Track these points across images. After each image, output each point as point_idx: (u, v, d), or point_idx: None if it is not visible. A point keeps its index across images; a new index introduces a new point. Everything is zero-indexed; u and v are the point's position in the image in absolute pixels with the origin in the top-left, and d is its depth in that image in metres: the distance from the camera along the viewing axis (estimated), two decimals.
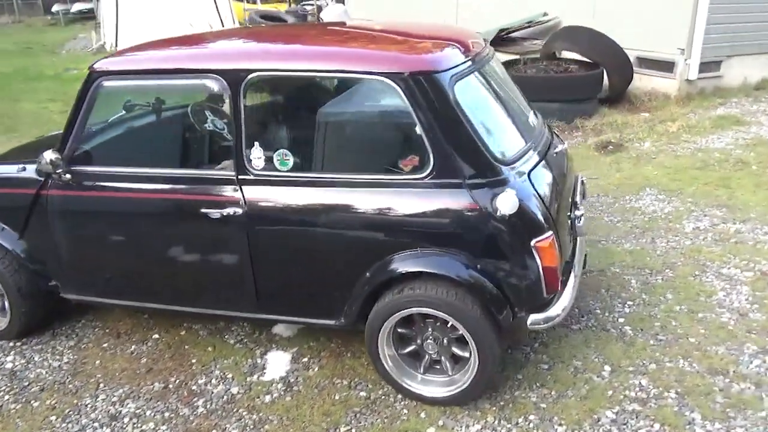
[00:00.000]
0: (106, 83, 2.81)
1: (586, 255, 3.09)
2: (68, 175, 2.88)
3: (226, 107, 2.81)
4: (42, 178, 2.96)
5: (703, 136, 6.04)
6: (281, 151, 2.62)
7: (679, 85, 7.05)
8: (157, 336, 3.28)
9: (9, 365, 3.09)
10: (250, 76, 2.56)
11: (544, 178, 2.67)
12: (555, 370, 2.86)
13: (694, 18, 6.75)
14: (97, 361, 3.10)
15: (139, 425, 2.66)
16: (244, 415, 2.69)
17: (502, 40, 8.37)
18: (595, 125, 6.53)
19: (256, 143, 2.61)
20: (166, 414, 2.72)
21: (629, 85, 7.14)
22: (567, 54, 7.27)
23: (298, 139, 2.73)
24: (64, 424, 2.67)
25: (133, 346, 3.21)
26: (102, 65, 2.81)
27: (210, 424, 2.64)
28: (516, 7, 8.53)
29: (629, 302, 3.36)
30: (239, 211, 2.64)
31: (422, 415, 2.63)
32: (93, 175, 2.90)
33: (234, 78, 2.57)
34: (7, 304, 3.17)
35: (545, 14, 8.39)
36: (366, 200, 2.53)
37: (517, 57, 7.55)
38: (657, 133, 6.17)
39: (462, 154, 2.43)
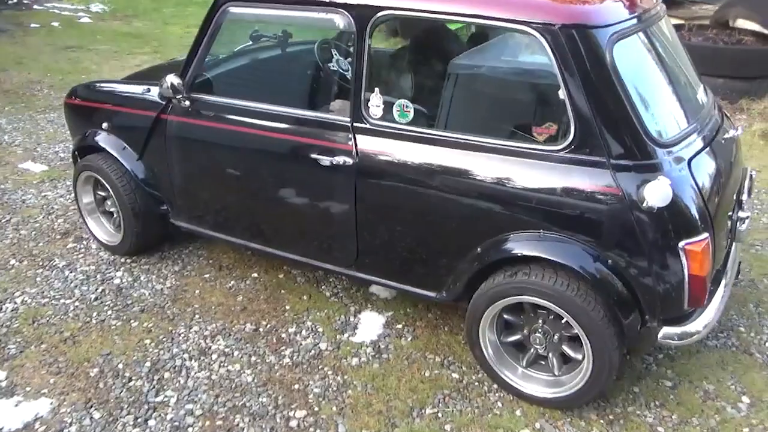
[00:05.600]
0: (233, 9, 2.68)
1: (740, 264, 2.61)
2: (188, 102, 2.82)
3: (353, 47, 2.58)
4: (163, 102, 2.93)
5: None
6: (402, 101, 2.37)
7: None
8: (256, 275, 3.23)
9: (117, 281, 3.18)
10: (378, 14, 2.31)
11: (706, 168, 2.23)
12: (680, 390, 2.48)
13: None
14: (197, 291, 3.11)
15: (225, 364, 2.63)
16: (329, 374, 2.57)
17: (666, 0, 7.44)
18: (764, 109, 5.65)
19: (377, 89, 2.38)
20: (253, 358, 2.66)
21: None
22: (743, 24, 6.30)
23: (423, 90, 2.47)
24: (156, 350, 2.70)
25: (232, 281, 3.18)
26: None
27: (293, 377, 2.55)
28: None
29: None
30: (350, 161, 2.44)
31: (518, 412, 2.37)
32: (211, 105, 2.82)
33: (361, 14, 2.33)
34: (122, 221, 3.24)
35: None
36: (489, 167, 2.24)
37: (682, 22, 6.67)
38: None
39: (610, 129, 2.05)
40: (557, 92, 2.11)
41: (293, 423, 2.33)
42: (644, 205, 2.00)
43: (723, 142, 2.44)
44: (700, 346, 2.71)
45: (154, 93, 3.00)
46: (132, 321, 2.89)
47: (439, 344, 2.73)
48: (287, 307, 2.99)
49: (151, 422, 2.33)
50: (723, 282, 2.35)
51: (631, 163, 2.05)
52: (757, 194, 4.11)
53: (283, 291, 3.11)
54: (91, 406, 2.39)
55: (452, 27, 2.99)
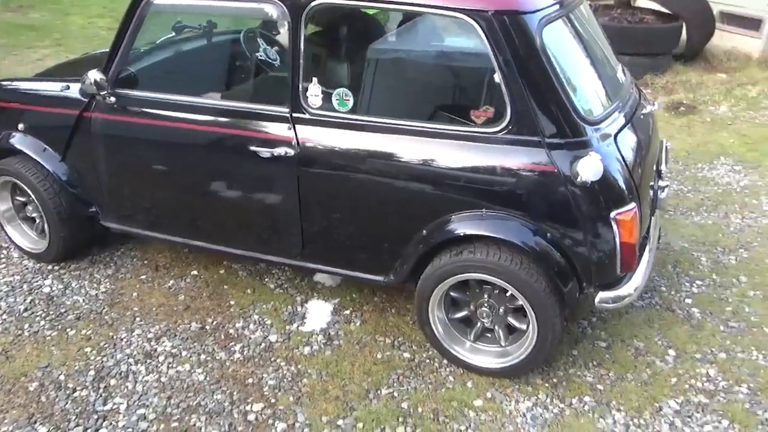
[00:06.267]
0: (157, 1, 2.58)
1: (660, 230, 2.82)
2: (113, 98, 2.71)
3: (283, 36, 2.57)
4: (86, 99, 2.79)
5: None
6: (341, 90, 2.38)
7: (763, 45, 6.46)
8: (195, 272, 3.17)
9: (47, 289, 3.03)
10: (313, 3, 2.30)
11: (630, 143, 2.39)
12: (614, 350, 2.66)
13: None
14: (135, 293, 3.01)
15: (174, 365, 2.57)
16: (282, 365, 2.57)
17: None
18: (666, 83, 6.06)
19: (314, 79, 2.38)
20: (202, 356, 2.62)
21: (709, 41, 6.58)
22: (644, 3, 6.71)
23: (362, 78, 2.48)
24: (99, 357, 2.60)
25: (171, 281, 3.10)
26: None
27: (247, 372, 2.54)
28: None
29: (698, 282, 3.10)
30: (291, 152, 2.44)
31: (469, 384, 2.48)
32: (139, 100, 2.72)
33: (295, 4, 2.32)
34: (46, 226, 3.08)
35: None
36: (430, 152, 2.30)
37: (589, 3, 6.99)
38: (735, 97, 5.70)
39: (544, 109, 2.16)
40: (493, 76, 2.19)
41: (251, 417, 2.33)
42: (578, 180, 2.13)
43: (642, 117, 2.61)
44: (629, 308, 2.91)
45: (74, 90, 2.85)
46: (68, 330, 2.76)
47: (387, 326, 2.79)
48: (232, 303, 2.95)
49: (103, 431, 2.26)
50: (648, 247, 2.54)
51: (563, 141, 2.17)
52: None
53: (225, 286, 3.06)
54: (35, 421, 2.29)
55: (370, 12, 3.02)
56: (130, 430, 2.26)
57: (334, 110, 2.39)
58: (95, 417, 2.31)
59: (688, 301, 2.97)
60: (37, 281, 3.09)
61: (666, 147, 2.82)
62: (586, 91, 2.34)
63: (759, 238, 3.47)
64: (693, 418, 2.33)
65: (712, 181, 4.16)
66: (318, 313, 2.88)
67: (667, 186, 2.56)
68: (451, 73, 2.46)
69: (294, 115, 2.43)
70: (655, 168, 2.60)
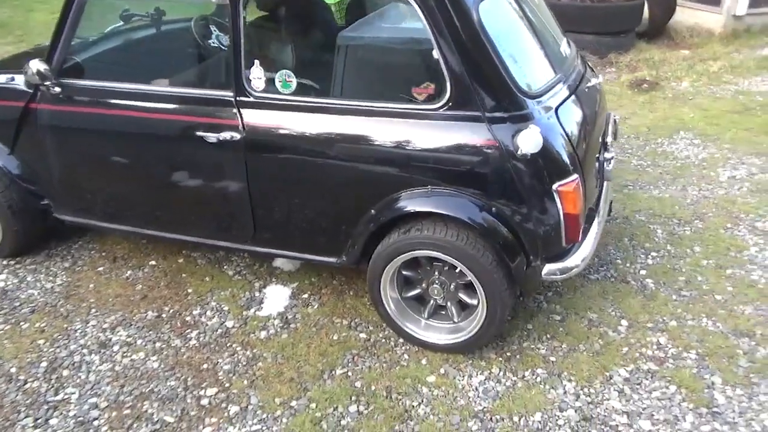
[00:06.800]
0: None
1: (611, 202, 2.85)
2: (57, 88, 2.67)
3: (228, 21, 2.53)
4: (31, 90, 2.75)
5: (747, 77, 5.63)
6: (283, 72, 2.37)
7: (725, 20, 6.53)
8: (154, 262, 3.15)
9: (1, 284, 3.00)
10: None
11: (573, 115, 2.40)
12: (568, 322, 2.69)
13: None
14: (91, 285, 2.99)
15: (128, 354, 2.56)
16: (238, 350, 2.57)
17: None
18: (630, 61, 6.11)
19: (256, 62, 2.37)
20: (158, 344, 2.61)
21: (671, 18, 6.63)
22: None
23: (303, 60, 2.47)
24: (51, 349, 2.58)
25: (128, 272, 3.09)
26: None
27: (202, 358, 2.54)
28: None
29: (653, 253, 3.14)
30: (237, 135, 2.43)
31: (423, 361, 2.49)
32: (84, 90, 2.69)
33: None
34: None
35: None
36: (373, 130, 2.30)
37: None
38: (696, 72, 5.75)
39: (482, 84, 2.17)
40: (431, 53, 2.19)
41: (204, 401, 2.33)
42: (519, 153, 2.14)
43: (587, 90, 2.63)
44: (584, 281, 2.95)
45: (19, 81, 2.80)
46: (22, 323, 2.74)
47: (345, 308, 2.80)
48: (190, 291, 2.94)
49: (53, 421, 2.25)
50: (597, 219, 2.57)
51: (504, 115, 2.18)
52: (627, 139, 4.46)
53: (184, 275, 3.05)
54: None
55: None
56: (81, 418, 2.25)
57: (278, 92, 2.38)
58: (45, 407, 2.30)
59: (643, 272, 3.01)
60: None
61: (614, 120, 2.84)
62: (527, 65, 2.35)
63: (714, 209, 3.52)
64: (642, 385, 2.37)
65: (671, 155, 4.21)
66: (276, 297, 2.88)
67: (612, 158, 2.58)
68: (393, 51, 2.46)
69: (238, 98, 2.42)
70: (601, 140, 2.62)
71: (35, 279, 3.04)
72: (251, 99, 2.40)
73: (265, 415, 2.27)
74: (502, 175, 2.21)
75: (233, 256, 3.15)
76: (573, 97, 2.44)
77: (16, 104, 2.79)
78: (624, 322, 2.69)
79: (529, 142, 2.11)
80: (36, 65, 2.60)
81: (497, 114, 2.18)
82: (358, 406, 2.30)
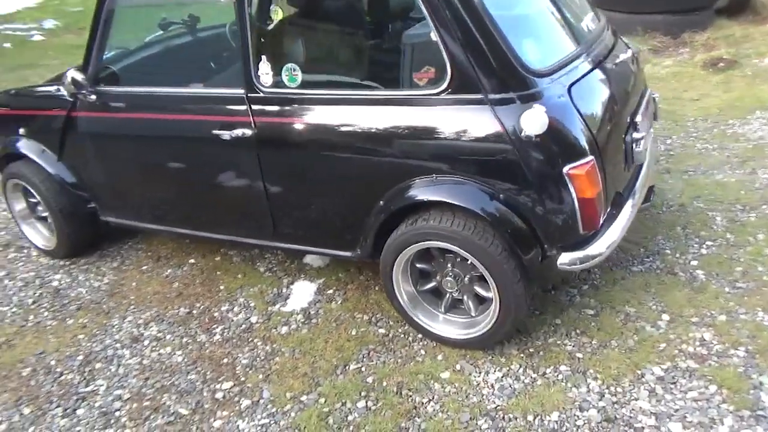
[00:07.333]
0: None
1: (653, 186, 2.63)
2: (93, 96, 2.82)
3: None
4: (71, 99, 2.92)
5: None
6: (290, 65, 2.37)
7: None
8: (193, 261, 3.25)
9: (55, 283, 3.20)
10: None
11: (592, 93, 2.24)
12: (602, 317, 2.50)
13: None
14: (134, 283, 3.13)
15: (157, 348, 2.65)
16: (258, 345, 2.59)
17: None
18: (707, 40, 5.64)
19: (264, 57, 2.38)
20: (184, 339, 2.69)
21: None
22: None
23: (308, 52, 2.46)
24: (89, 343, 2.72)
25: (169, 270, 3.20)
26: None
27: (223, 352, 2.58)
28: None
29: (708, 242, 2.86)
30: (249, 132, 2.45)
31: (439, 357, 2.40)
32: (116, 96, 2.83)
33: None
34: (53, 224, 3.25)
35: None
36: (378, 119, 2.24)
37: None
38: None
39: (484, 65, 2.05)
40: (430, 35, 2.11)
41: (219, 395, 2.36)
42: (523, 135, 2.01)
43: (615, 65, 2.44)
44: (625, 272, 2.73)
45: (63, 91, 2.99)
46: (68, 319, 2.91)
47: (368, 304, 2.76)
48: (222, 287, 3.01)
49: (80, 411, 2.36)
50: (630, 202, 2.37)
51: (508, 96, 2.05)
52: (693, 122, 4.11)
53: (218, 272, 3.13)
54: (21, 403, 2.42)
55: None
56: (104, 409, 2.35)
57: (285, 86, 2.38)
58: (75, 398, 2.42)
59: (694, 263, 2.75)
60: (48, 276, 3.27)
61: (654, 98, 2.61)
62: (535, 42, 2.21)
63: None
64: (677, 384, 2.15)
65: (742, 137, 3.83)
66: (301, 293, 2.88)
67: (642, 138, 2.36)
68: (395, 38, 2.39)
69: (249, 95, 2.44)
70: (629, 119, 2.41)
71: (86, 278, 3.22)
72: (261, 95, 2.42)
73: (274, 410, 2.26)
74: (509, 159, 2.08)
75: (266, 253, 3.19)
76: (594, 73, 2.27)
77: (60, 113, 2.98)
78: (665, 317, 2.46)
79: (533, 123, 1.97)
80: (72, 74, 2.76)
81: (501, 95, 2.06)
82: (366, 402, 2.24)
